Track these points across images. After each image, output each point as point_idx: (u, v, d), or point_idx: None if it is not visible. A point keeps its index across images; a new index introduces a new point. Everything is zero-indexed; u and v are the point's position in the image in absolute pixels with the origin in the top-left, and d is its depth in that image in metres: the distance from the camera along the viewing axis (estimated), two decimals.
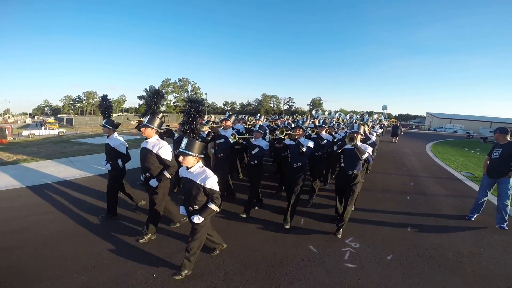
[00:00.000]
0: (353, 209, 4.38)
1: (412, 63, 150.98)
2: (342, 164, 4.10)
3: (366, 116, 12.07)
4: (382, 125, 13.95)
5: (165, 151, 3.54)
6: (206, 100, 65.45)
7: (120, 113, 68.40)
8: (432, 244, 3.87)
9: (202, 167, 2.88)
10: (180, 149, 2.77)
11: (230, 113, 8.93)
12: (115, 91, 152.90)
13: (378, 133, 8.75)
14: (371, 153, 3.87)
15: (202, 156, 2.88)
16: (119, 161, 4.25)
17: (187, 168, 2.86)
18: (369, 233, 4.19)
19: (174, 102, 59.05)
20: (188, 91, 60.87)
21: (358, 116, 11.45)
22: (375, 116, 13.97)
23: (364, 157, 3.80)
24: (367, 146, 3.97)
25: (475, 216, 4.75)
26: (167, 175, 3.59)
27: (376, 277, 3.09)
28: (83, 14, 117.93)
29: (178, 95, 59.33)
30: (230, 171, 5.51)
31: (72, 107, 69.53)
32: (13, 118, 66.31)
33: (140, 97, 57.93)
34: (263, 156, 4.75)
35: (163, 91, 5.27)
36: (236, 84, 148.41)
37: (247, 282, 2.94)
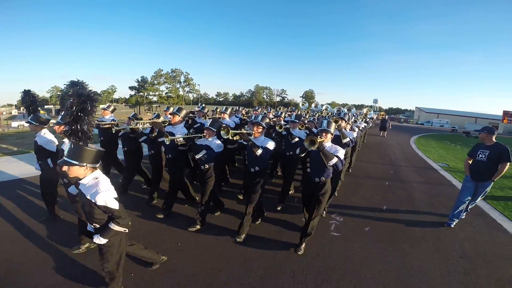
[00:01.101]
0: (324, 215, 4.47)
1: (404, 58, 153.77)
2: (308, 170, 3.41)
3: (354, 110, 12.26)
4: (368, 119, 13.02)
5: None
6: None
7: (109, 103, 67.33)
8: (402, 221, 4.55)
9: (97, 178, 2.26)
10: (64, 157, 2.20)
11: (203, 105, 8.15)
12: (107, 81, 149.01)
13: (361, 128, 8.26)
14: (342, 157, 3.13)
15: (97, 165, 2.30)
16: (49, 161, 3.83)
17: (79, 178, 2.28)
18: (351, 210, 4.86)
19: (166, 93, 58.52)
20: (180, 82, 60.41)
21: (345, 110, 10.72)
22: (365, 110, 13.10)
23: (331, 164, 3.04)
24: (339, 148, 3.21)
25: (455, 222, 4.41)
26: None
27: (355, 243, 3.76)
28: (71, 3, 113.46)
29: (170, 86, 58.77)
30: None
31: (59, 98, 68.19)
32: None
33: (131, 88, 57.34)
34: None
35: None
36: (229, 75, 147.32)
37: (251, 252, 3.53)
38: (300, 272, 3.07)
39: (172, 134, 4.02)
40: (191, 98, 65.20)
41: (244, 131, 3.76)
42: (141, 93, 56.90)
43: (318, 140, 2.97)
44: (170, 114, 4.57)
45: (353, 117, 8.10)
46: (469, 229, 4.34)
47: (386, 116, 22.71)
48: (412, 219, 4.65)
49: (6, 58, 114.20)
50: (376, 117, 24.44)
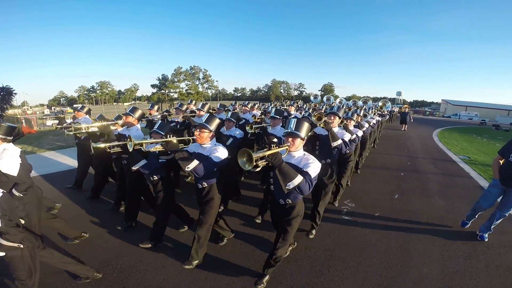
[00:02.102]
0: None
1: (429, 50, 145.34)
2: (272, 187, 2.61)
3: (370, 102, 11.27)
4: (383, 113, 11.41)
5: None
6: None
7: (133, 102, 70.23)
8: (412, 209, 4.73)
9: (5, 149, 2.25)
10: None
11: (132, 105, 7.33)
12: (128, 79, 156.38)
13: (372, 124, 6.98)
14: (309, 178, 2.19)
15: (9, 137, 2.44)
16: None
17: None
18: (363, 198, 5.12)
19: (186, 90, 60.16)
20: (199, 79, 61.75)
21: (361, 103, 10.23)
22: (380, 103, 11.75)
23: (290, 187, 2.12)
24: (310, 162, 2.30)
25: (470, 223, 4.10)
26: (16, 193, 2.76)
27: (364, 227, 4.04)
28: (92, 3, 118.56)
29: (190, 83, 60.31)
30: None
31: (86, 97, 71.97)
32: (31, 110, 68.95)
33: (153, 86, 59.53)
34: None
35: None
36: (246, 71, 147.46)
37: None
38: (311, 248, 3.43)
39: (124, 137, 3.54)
40: (210, 94, 66.52)
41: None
42: (162, 91, 58.96)
43: (254, 157, 1.90)
44: (123, 114, 3.94)
45: (363, 111, 6.96)
46: (478, 218, 4.38)
47: (407, 109, 21.00)
48: (422, 207, 4.80)
49: (35, 59, 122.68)
50: (398, 110, 22.68)
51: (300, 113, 9.62)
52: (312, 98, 11.88)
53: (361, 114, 6.12)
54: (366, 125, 5.75)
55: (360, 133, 4.77)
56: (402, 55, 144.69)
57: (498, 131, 22.38)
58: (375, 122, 7.81)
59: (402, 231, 3.96)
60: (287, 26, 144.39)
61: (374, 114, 8.14)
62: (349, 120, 4.39)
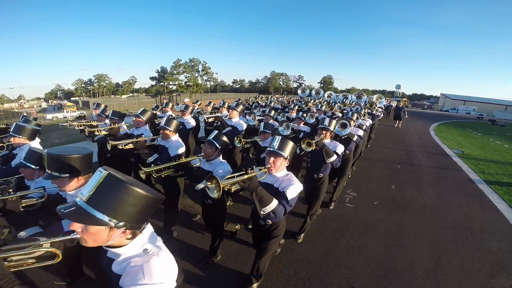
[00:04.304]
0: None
1: (429, 44, 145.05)
2: (253, 206, 2.40)
3: (365, 97, 9.82)
4: (379, 111, 10.22)
5: None
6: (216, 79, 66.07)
7: (131, 94, 69.95)
8: (407, 197, 5.22)
9: None
10: None
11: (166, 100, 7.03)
12: (126, 72, 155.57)
13: (365, 128, 5.85)
14: (274, 208, 2.01)
15: None
16: None
17: None
18: (363, 187, 5.61)
19: (185, 82, 60.05)
20: (199, 71, 61.53)
21: (354, 97, 9.42)
22: (374, 97, 10.12)
23: (265, 212, 2.00)
24: (290, 185, 2.14)
25: None
26: None
27: (365, 212, 4.53)
28: None
29: (189, 75, 60.15)
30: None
31: (84, 90, 71.42)
32: (28, 104, 68.32)
33: (152, 78, 59.32)
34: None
35: None
36: (245, 63, 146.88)
37: None
38: (321, 229, 3.92)
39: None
40: (208, 86, 66.46)
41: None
42: (161, 83, 58.80)
43: (223, 184, 1.69)
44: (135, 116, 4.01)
45: (355, 114, 5.40)
46: (465, 208, 4.91)
47: (402, 104, 19.42)
48: (416, 197, 5.29)
49: (31, 53, 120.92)
50: (396, 105, 19.76)
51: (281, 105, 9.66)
52: (299, 91, 10.94)
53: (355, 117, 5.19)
54: (355, 136, 4.59)
55: (361, 132, 4.86)
56: (402, 49, 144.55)
57: (493, 126, 22.85)
58: (367, 126, 6.48)
59: (398, 216, 4.44)
60: (287, 18, 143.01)
61: (364, 115, 7.05)
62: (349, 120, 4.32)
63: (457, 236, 3.94)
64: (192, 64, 60.38)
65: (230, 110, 5.13)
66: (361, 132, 4.02)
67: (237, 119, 5.00)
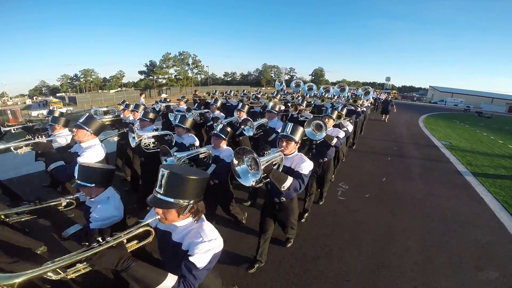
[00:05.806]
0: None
1: (419, 37, 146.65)
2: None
3: (347, 89, 9.50)
4: (365, 105, 8.87)
5: None
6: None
7: (119, 89, 68.26)
8: (397, 190, 5.25)
9: None
10: None
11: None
12: (113, 67, 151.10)
13: (347, 131, 4.48)
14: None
15: None
16: None
17: None
18: (354, 180, 5.61)
19: (175, 76, 58.98)
20: (189, 64, 60.43)
21: (337, 89, 9.03)
22: (346, 90, 9.32)
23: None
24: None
25: None
26: None
27: (357, 206, 4.52)
28: None
29: (179, 69, 59.04)
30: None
31: (70, 86, 69.24)
32: (11, 101, 65.84)
33: (141, 72, 57.92)
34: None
35: None
36: (236, 55, 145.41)
37: None
38: (314, 224, 3.89)
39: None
40: (199, 79, 65.48)
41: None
42: (150, 77, 57.53)
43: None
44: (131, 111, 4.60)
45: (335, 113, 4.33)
46: (453, 200, 4.96)
47: (389, 97, 17.97)
48: (406, 189, 5.32)
49: (14, 49, 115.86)
50: (385, 98, 18.13)
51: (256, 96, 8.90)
52: (277, 83, 11.00)
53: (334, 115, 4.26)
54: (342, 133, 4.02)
55: (350, 127, 4.65)
56: (392, 42, 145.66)
57: (480, 118, 23.42)
58: (347, 131, 4.64)
59: (388, 210, 4.44)
60: (279, 11, 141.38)
61: (358, 113, 6.60)
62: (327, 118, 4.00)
63: (446, 230, 3.97)
64: (182, 57, 59.24)
65: (239, 112, 4.89)
66: (342, 134, 3.66)
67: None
